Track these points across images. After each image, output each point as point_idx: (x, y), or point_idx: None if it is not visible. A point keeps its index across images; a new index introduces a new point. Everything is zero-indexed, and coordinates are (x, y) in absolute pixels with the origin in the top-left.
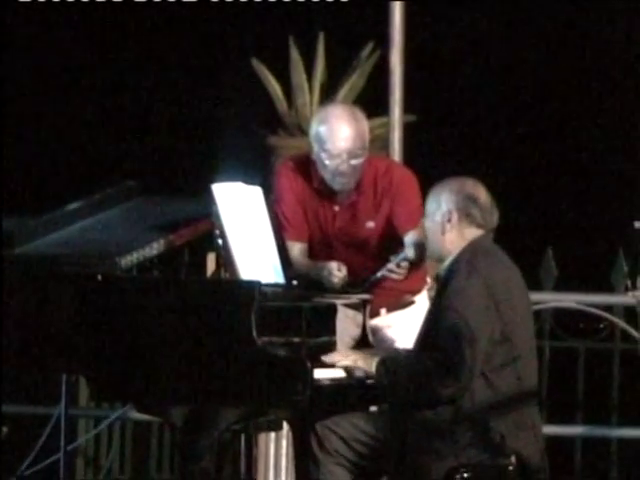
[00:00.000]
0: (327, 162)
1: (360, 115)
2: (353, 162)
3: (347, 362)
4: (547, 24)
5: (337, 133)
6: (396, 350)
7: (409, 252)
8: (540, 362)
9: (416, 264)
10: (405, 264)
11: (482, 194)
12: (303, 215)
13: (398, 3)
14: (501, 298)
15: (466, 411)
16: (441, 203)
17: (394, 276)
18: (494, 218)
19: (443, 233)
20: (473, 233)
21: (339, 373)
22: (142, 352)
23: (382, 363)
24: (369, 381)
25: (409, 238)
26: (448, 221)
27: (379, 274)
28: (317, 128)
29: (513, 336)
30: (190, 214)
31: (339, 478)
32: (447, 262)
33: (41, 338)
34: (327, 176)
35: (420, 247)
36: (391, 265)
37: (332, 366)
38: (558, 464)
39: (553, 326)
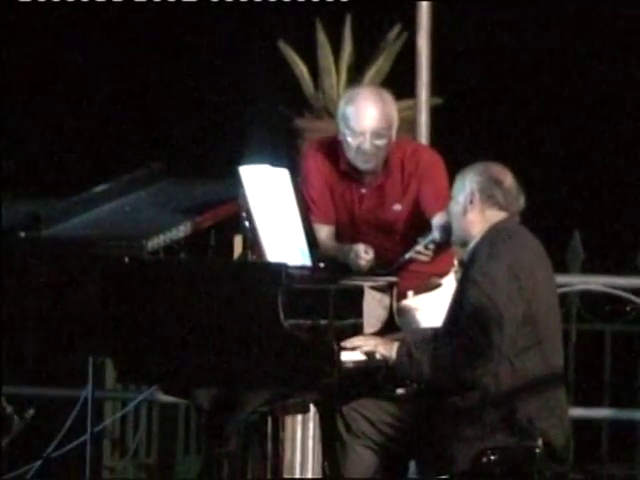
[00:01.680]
0: (350, 139)
1: (388, 97)
2: (376, 142)
3: (367, 348)
4: (578, 8)
5: (362, 112)
6: (421, 331)
7: (436, 234)
8: (567, 345)
9: (443, 246)
10: (432, 246)
11: (507, 178)
12: (330, 197)
13: None
14: (524, 280)
15: (492, 395)
16: (465, 184)
17: (422, 257)
18: (519, 202)
19: (465, 214)
20: (495, 215)
21: (362, 356)
22: (169, 334)
23: (403, 348)
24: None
25: (436, 220)
26: (470, 202)
27: (407, 256)
28: (344, 108)
29: (537, 318)
30: (217, 196)
31: (366, 460)
32: (470, 246)
33: (68, 320)
34: (350, 155)
35: (447, 229)
36: (419, 247)
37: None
38: (585, 447)
39: (580, 309)
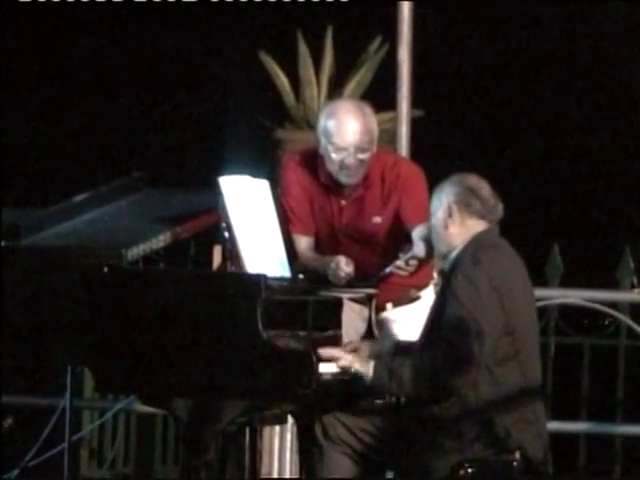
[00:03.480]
0: (333, 155)
1: (368, 110)
2: (360, 156)
3: (343, 363)
4: (554, 19)
5: (345, 127)
6: (394, 341)
7: (418, 250)
8: (545, 358)
9: (424, 261)
10: (414, 262)
11: (483, 187)
12: (310, 209)
13: None
14: (504, 291)
15: (471, 406)
16: (442, 199)
17: (402, 273)
18: (497, 210)
19: (446, 228)
20: (476, 225)
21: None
22: (147, 344)
23: (381, 365)
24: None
25: (417, 234)
26: (449, 216)
27: (387, 270)
28: (325, 122)
29: (516, 329)
30: (197, 207)
31: (343, 467)
32: (452, 255)
33: (47, 329)
34: (333, 169)
35: (429, 244)
36: (399, 262)
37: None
38: (562, 460)
39: (559, 322)
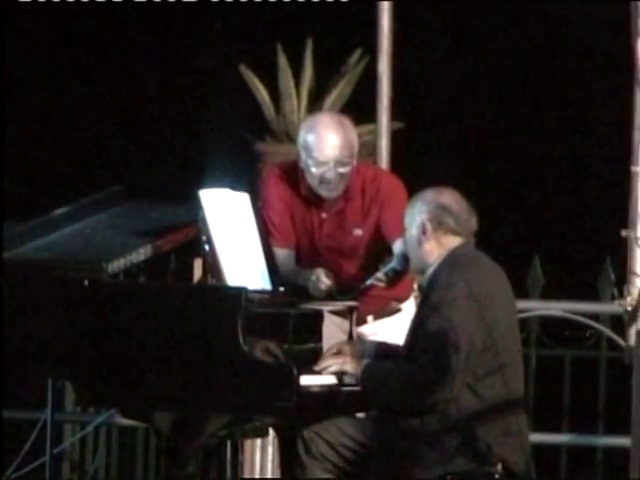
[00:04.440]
0: (313, 169)
1: (348, 124)
2: (340, 170)
3: (335, 367)
4: (533, 28)
5: (325, 141)
6: (384, 345)
7: (396, 262)
8: (526, 370)
9: (403, 273)
10: (392, 274)
11: (455, 202)
12: (290, 222)
13: (386, 10)
14: (483, 306)
15: (452, 419)
16: (415, 216)
17: (382, 285)
18: (471, 223)
19: (420, 245)
20: (451, 241)
21: (328, 380)
22: (128, 358)
23: (368, 369)
24: (358, 388)
25: (397, 247)
26: (423, 233)
27: (368, 282)
28: (305, 136)
29: (498, 344)
30: (177, 220)
31: None
32: (429, 272)
33: (27, 343)
34: (313, 183)
35: (407, 257)
36: (379, 274)
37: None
38: (544, 472)
39: (539, 334)
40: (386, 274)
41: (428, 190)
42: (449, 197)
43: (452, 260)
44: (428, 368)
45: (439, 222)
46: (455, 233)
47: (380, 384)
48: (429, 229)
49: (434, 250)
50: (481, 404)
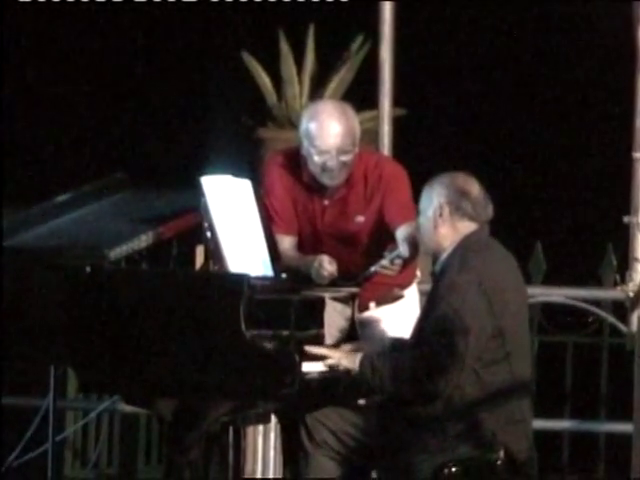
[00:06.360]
0: (316, 158)
1: (350, 112)
2: (342, 158)
3: (331, 362)
4: (536, 17)
5: (327, 130)
6: (380, 342)
7: (403, 250)
8: None
9: (408, 260)
10: (399, 261)
11: (474, 187)
12: (292, 208)
13: None
14: (494, 293)
15: (456, 406)
16: (433, 198)
17: (387, 272)
18: (488, 211)
19: (436, 227)
20: (466, 227)
21: (324, 367)
22: (130, 344)
23: (366, 359)
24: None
25: (401, 233)
26: (440, 215)
27: (372, 269)
28: (307, 124)
29: (506, 331)
30: (179, 207)
31: (328, 470)
32: (442, 258)
33: (29, 330)
34: (315, 171)
35: (413, 244)
36: (384, 262)
37: (318, 358)
38: (546, 458)
39: (541, 320)
40: (392, 261)
41: (446, 174)
42: (468, 183)
43: (465, 246)
44: (439, 350)
45: (457, 207)
46: (471, 219)
47: (387, 373)
48: (446, 212)
49: (449, 235)
50: (484, 391)
